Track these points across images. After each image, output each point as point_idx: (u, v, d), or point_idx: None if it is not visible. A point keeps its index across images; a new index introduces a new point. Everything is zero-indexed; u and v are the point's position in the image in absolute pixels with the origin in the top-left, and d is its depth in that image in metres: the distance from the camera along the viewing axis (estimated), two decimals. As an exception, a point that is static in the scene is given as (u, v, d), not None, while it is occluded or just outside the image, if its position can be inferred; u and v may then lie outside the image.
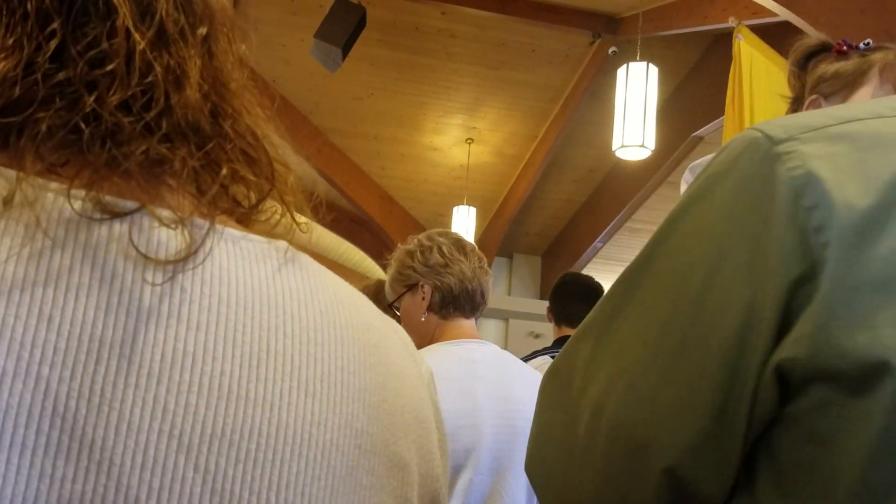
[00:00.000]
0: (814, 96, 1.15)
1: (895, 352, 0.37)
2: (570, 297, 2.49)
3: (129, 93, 0.32)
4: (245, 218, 0.37)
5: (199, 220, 0.34)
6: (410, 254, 1.50)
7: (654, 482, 0.43)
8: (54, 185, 0.31)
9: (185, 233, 0.33)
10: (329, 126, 5.40)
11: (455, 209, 5.58)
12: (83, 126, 0.31)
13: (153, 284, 0.31)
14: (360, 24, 4.05)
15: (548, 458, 0.51)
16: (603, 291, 2.53)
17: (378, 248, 6.87)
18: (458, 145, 5.63)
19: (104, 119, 0.31)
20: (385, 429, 0.37)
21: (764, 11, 3.23)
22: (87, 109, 0.31)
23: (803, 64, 1.19)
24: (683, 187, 1.05)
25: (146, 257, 0.31)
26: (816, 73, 1.16)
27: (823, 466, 0.39)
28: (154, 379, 0.30)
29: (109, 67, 0.32)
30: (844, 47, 1.13)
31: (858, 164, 0.41)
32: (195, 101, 0.34)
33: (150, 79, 0.33)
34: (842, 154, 0.42)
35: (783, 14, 3.03)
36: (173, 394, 0.30)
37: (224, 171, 0.35)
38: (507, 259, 6.76)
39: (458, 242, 1.50)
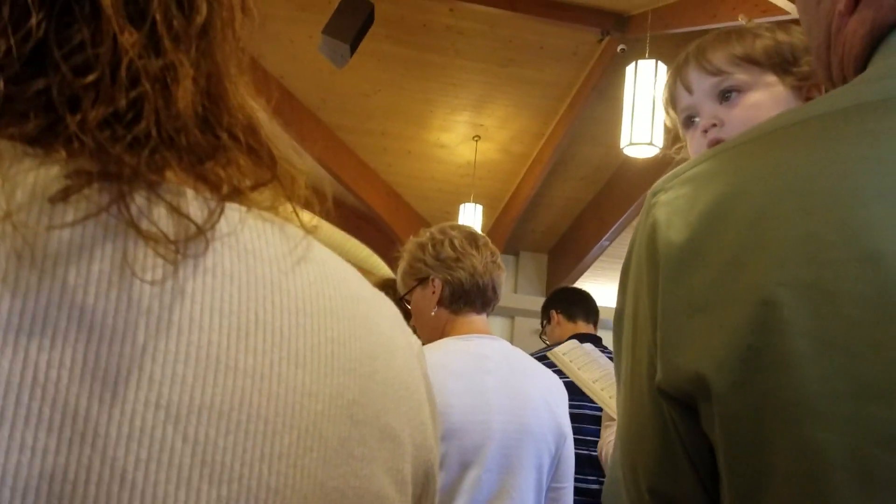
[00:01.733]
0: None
1: (706, 362, 0.43)
2: (570, 296, 2.82)
3: (113, 108, 0.30)
4: (239, 194, 0.36)
5: (191, 193, 0.33)
6: (422, 247, 1.49)
7: (647, 501, 0.49)
8: (31, 160, 0.29)
9: (179, 219, 0.31)
10: (336, 122, 5.40)
11: (462, 206, 5.58)
12: (64, 153, 0.29)
13: (146, 266, 0.30)
14: (369, 21, 4.04)
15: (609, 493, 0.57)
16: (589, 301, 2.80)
17: (384, 244, 6.84)
18: (465, 142, 5.62)
19: (86, 144, 0.29)
20: (376, 400, 0.36)
21: (774, 9, 3.22)
22: (71, 133, 0.29)
23: None
24: None
25: (142, 235, 0.30)
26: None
27: (723, 469, 0.44)
28: (139, 349, 0.29)
29: (92, 77, 0.30)
30: None
31: (689, 203, 0.47)
32: (187, 112, 0.33)
33: (137, 91, 0.31)
34: (683, 196, 0.47)
35: (791, 10, 3.01)
36: (159, 363, 0.29)
37: (222, 182, 0.34)
38: (514, 257, 6.75)
39: (471, 236, 1.48)
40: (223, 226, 0.33)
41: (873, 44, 0.50)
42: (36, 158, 0.29)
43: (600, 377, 1.57)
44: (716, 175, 0.47)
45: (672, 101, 1.01)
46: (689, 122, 0.99)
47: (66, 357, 0.28)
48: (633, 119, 3.68)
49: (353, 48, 4.04)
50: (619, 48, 4.66)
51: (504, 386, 1.36)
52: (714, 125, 0.95)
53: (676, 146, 1.09)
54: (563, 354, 1.66)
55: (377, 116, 5.34)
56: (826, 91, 0.60)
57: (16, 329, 0.27)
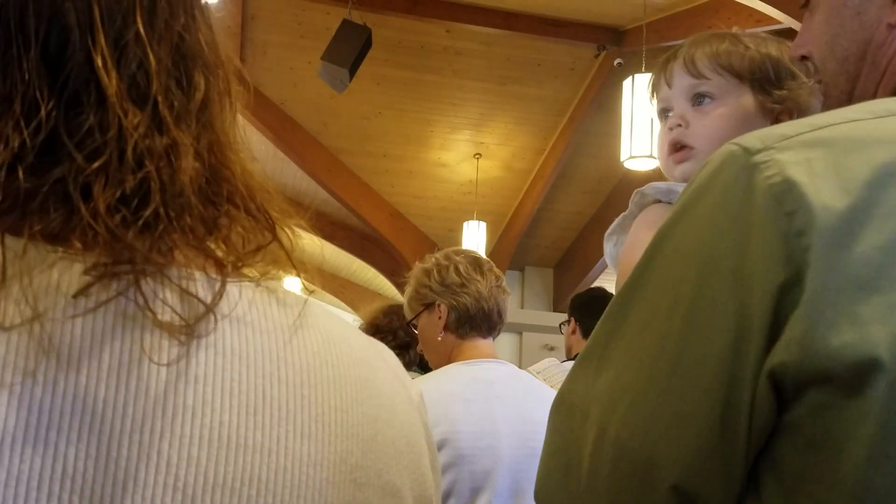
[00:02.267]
0: None
1: (884, 347, 0.38)
2: (600, 313, 2.46)
3: (121, 190, 0.32)
4: (241, 261, 0.37)
5: (199, 275, 0.34)
6: (427, 272, 1.50)
7: (662, 501, 0.43)
8: (52, 255, 0.31)
9: (189, 297, 0.33)
10: (338, 146, 5.44)
11: (465, 224, 5.59)
12: (79, 244, 0.31)
13: (160, 349, 0.32)
14: (367, 45, 4.09)
15: (555, 486, 0.52)
16: None
17: (390, 265, 6.83)
18: (467, 161, 5.65)
19: (99, 233, 0.31)
20: (378, 460, 0.38)
21: (767, 19, 3.24)
22: (85, 223, 0.31)
23: None
24: (631, 208, 1.06)
25: (154, 320, 0.32)
26: None
27: (825, 472, 0.39)
28: (157, 435, 0.31)
29: (101, 162, 0.31)
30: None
31: (834, 167, 0.42)
32: (191, 185, 0.34)
33: (143, 172, 0.32)
34: (817, 159, 0.43)
35: (786, 21, 3.04)
36: (175, 447, 0.31)
37: (225, 254, 0.36)
38: (519, 272, 6.75)
39: (476, 261, 1.50)
40: (227, 304, 0.35)
41: None
42: (57, 257, 0.31)
43: None
44: (864, 140, 0.43)
45: (654, 90, 1.02)
46: (662, 114, 1.01)
47: (91, 448, 0.30)
48: (633, 132, 3.70)
49: (353, 73, 4.08)
50: (615, 62, 4.69)
51: (512, 411, 1.37)
52: (679, 125, 0.95)
53: None
54: (538, 373, 1.66)
55: (378, 138, 5.38)
56: (826, 107, 0.58)
57: (45, 427, 0.29)
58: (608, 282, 6.80)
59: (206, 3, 0.39)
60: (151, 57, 0.34)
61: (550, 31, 4.55)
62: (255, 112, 4.62)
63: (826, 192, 0.41)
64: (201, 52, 0.37)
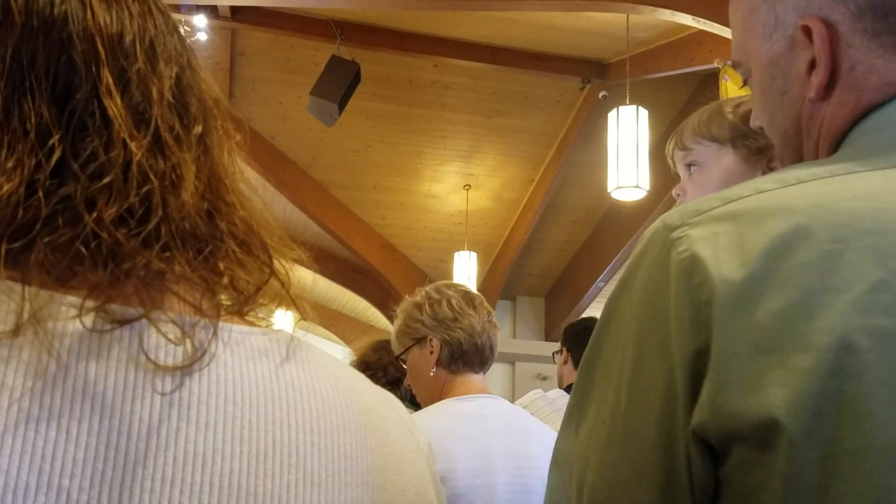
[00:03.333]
0: None
1: (782, 409, 0.41)
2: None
3: (127, 204, 0.33)
4: (249, 304, 0.39)
5: (202, 322, 0.35)
6: (418, 306, 1.47)
7: None
8: (69, 299, 0.32)
9: (189, 339, 0.34)
10: (328, 179, 5.47)
11: (456, 255, 5.61)
12: (83, 250, 0.32)
13: (163, 394, 0.32)
14: (355, 80, 4.14)
15: None
16: None
17: (381, 296, 6.79)
18: (457, 192, 5.68)
19: (103, 239, 0.32)
20: None
21: (748, 52, 3.31)
22: (88, 230, 0.32)
23: None
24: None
25: (156, 365, 0.33)
26: None
27: None
28: (168, 482, 0.31)
29: (107, 180, 0.33)
30: None
31: (737, 240, 0.45)
32: (192, 205, 0.35)
33: (147, 188, 0.34)
34: (723, 233, 0.46)
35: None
36: (186, 495, 0.31)
37: (223, 272, 0.37)
38: (511, 302, 6.75)
39: (467, 295, 1.48)
40: (242, 354, 0.36)
41: (853, 124, 0.53)
42: (61, 284, 0.32)
43: None
44: (767, 213, 0.46)
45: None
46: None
47: (103, 496, 0.30)
48: (619, 163, 3.75)
49: (342, 107, 4.12)
50: (600, 95, 4.77)
51: (508, 447, 1.35)
52: (679, 195, 1.09)
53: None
54: (525, 407, 1.64)
55: (368, 171, 5.41)
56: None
57: (58, 474, 0.29)
58: (600, 310, 6.79)
59: (193, 44, 0.41)
60: (153, 90, 0.36)
61: (536, 65, 4.62)
62: (246, 147, 4.63)
63: (725, 266, 0.45)
64: (199, 90, 0.39)
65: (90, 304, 0.32)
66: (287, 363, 0.38)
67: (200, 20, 3.89)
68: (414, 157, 5.37)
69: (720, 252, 0.45)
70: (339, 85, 4.10)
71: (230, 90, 4.68)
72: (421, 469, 0.42)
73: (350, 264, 6.17)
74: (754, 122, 0.65)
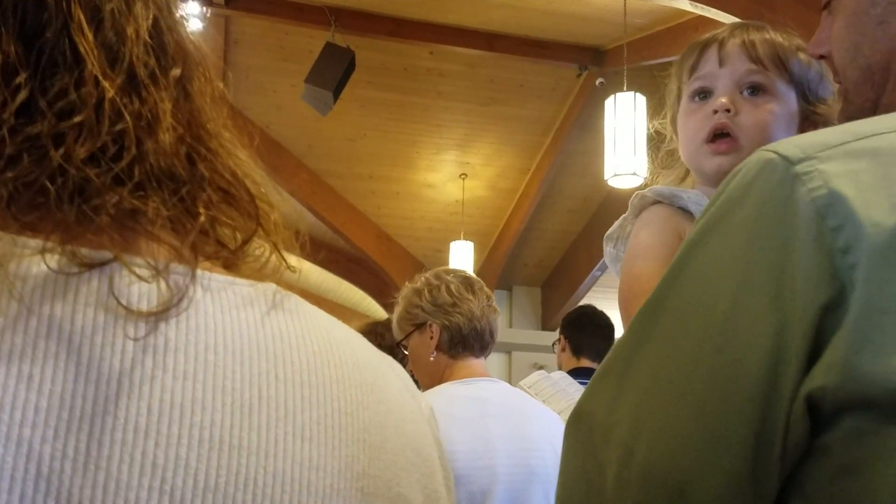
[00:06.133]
0: None
1: None
2: (588, 330, 2.50)
3: (99, 143, 0.31)
4: (232, 260, 0.36)
5: (179, 267, 0.33)
6: (418, 292, 1.49)
7: None
8: (31, 242, 0.30)
9: (164, 282, 0.31)
10: (323, 168, 5.45)
11: (452, 244, 5.60)
12: (49, 184, 0.30)
13: (135, 339, 0.30)
14: (350, 68, 4.11)
15: None
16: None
17: (377, 286, 6.80)
18: (453, 181, 5.67)
19: (70, 175, 0.31)
20: (387, 469, 0.36)
21: (746, 37, 3.29)
22: (55, 164, 0.30)
23: None
24: (630, 210, 1.01)
25: (127, 310, 0.30)
26: None
27: (858, 500, 0.38)
28: (141, 433, 0.29)
29: (78, 119, 0.31)
30: None
31: (883, 181, 0.40)
32: (169, 146, 0.33)
33: (120, 126, 0.32)
34: (864, 171, 0.40)
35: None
36: (162, 447, 0.29)
37: (202, 215, 0.34)
38: (507, 291, 6.75)
39: (467, 280, 1.49)
40: (224, 303, 0.33)
41: None
42: (28, 227, 0.30)
43: (566, 408, 1.56)
44: None
45: (692, 65, 0.92)
46: (698, 93, 0.91)
47: (68, 448, 0.28)
48: (616, 151, 3.73)
49: (336, 95, 4.09)
50: (597, 82, 4.75)
51: (507, 429, 1.36)
52: (728, 111, 0.87)
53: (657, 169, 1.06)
54: (529, 388, 1.65)
55: (364, 160, 5.39)
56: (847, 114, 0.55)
57: (18, 423, 0.27)
58: (596, 299, 6.83)
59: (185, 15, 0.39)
60: (128, 29, 0.33)
61: (532, 52, 4.60)
62: (239, 135, 4.60)
63: (875, 207, 0.39)
64: (178, 33, 0.37)
65: (53, 244, 0.30)
66: (274, 312, 0.35)
67: (193, 7, 3.85)
68: (409, 146, 5.35)
69: (866, 192, 0.39)
70: (334, 73, 4.07)
71: (224, 79, 4.64)
72: (423, 431, 0.40)
73: (346, 254, 6.15)
74: (817, 49, 0.59)
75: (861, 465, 0.38)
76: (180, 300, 0.32)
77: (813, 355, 0.39)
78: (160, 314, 0.31)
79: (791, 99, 0.89)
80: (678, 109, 0.97)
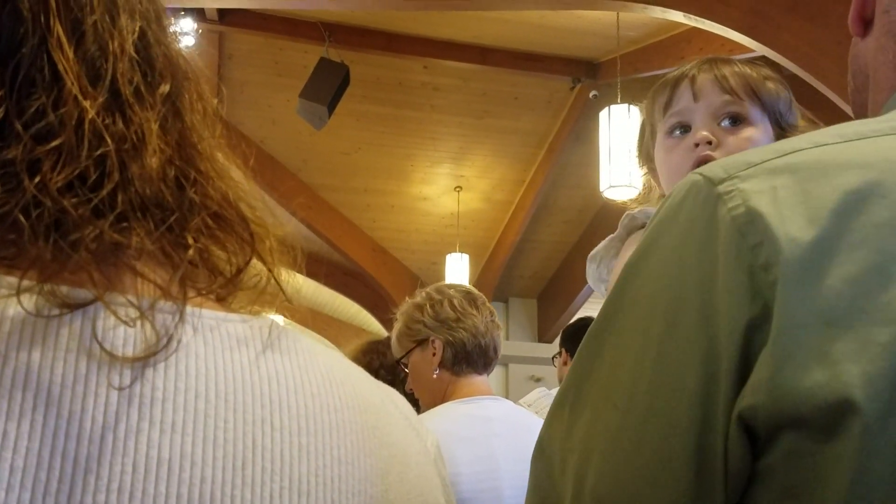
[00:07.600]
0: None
1: (858, 387, 0.35)
2: None
3: (78, 169, 0.29)
4: (225, 291, 0.34)
5: (167, 306, 0.30)
6: (419, 307, 1.43)
7: None
8: (4, 279, 0.28)
9: (150, 324, 0.29)
10: (318, 182, 5.44)
11: (448, 257, 5.58)
12: (22, 218, 0.28)
13: (119, 388, 0.28)
14: (345, 82, 4.11)
15: None
16: None
17: (373, 299, 6.79)
18: (448, 194, 5.66)
19: (46, 207, 0.28)
20: None
21: (739, 48, 3.31)
22: (28, 196, 0.28)
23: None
24: (620, 230, 1.01)
25: (111, 356, 0.28)
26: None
27: None
28: (126, 494, 0.27)
29: (56, 142, 0.29)
30: None
31: (801, 196, 0.40)
32: (155, 171, 0.31)
33: (101, 150, 0.30)
34: (783, 187, 0.41)
35: (759, 49, 3.10)
36: None
37: (192, 247, 0.32)
38: (503, 304, 6.74)
39: (469, 295, 1.44)
40: (216, 343, 0.31)
41: None
42: (4, 264, 0.28)
43: None
44: (833, 167, 0.40)
45: (665, 102, 0.94)
46: (675, 128, 0.94)
47: None
48: (611, 162, 3.73)
49: (331, 110, 4.09)
50: (591, 94, 4.76)
51: (512, 449, 1.32)
52: (710, 143, 0.90)
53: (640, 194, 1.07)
54: (529, 406, 1.63)
55: (359, 174, 5.38)
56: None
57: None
58: (593, 311, 6.80)
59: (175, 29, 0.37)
60: (112, 44, 0.31)
61: (526, 66, 4.61)
62: (234, 150, 4.60)
63: (792, 223, 0.39)
64: (166, 47, 0.34)
65: (29, 283, 0.28)
66: (269, 352, 0.33)
67: (188, 23, 3.85)
68: (404, 160, 5.35)
69: (783, 208, 0.39)
70: (329, 87, 4.07)
71: (218, 94, 4.64)
72: (428, 473, 0.38)
73: (341, 268, 6.13)
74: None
75: (801, 486, 0.37)
76: (168, 343, 0.30)
77: (743, 374, 0.39)
78: (146, 359, 0.29)
79: (766, 125, 0.92)
80: (653, 145, 0.99)
